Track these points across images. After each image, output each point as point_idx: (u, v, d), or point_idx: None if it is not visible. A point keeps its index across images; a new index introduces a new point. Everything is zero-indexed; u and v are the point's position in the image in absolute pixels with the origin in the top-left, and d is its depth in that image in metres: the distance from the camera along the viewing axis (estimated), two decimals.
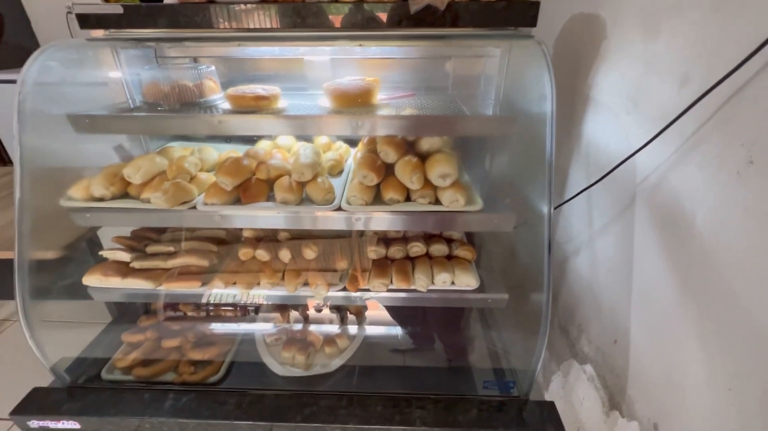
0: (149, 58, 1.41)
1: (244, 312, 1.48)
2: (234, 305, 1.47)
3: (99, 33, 1.23)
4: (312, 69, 1.43)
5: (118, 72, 1.24)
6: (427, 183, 1.05)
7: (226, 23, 1.14)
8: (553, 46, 1.38)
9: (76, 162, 1.22)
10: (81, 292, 1.19)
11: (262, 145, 1.30)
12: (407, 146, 1.14)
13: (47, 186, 1.12)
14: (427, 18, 1.10)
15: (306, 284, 1.18)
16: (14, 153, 0.99)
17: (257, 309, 1.51)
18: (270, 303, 1.32)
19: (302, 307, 1.53)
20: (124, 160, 1.24)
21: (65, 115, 1.02)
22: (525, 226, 1.11)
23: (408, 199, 1.09)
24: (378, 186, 1.11)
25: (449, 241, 1.30)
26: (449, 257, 1.27)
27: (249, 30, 1.17)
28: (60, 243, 1.14)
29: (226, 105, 1.12)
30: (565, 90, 1.26)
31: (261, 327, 1.45)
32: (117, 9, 1.16)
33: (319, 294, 1.15)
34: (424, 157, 1.11)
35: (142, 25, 1.17)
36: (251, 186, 1.07)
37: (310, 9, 1.11)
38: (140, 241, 1.20)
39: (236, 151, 1.31)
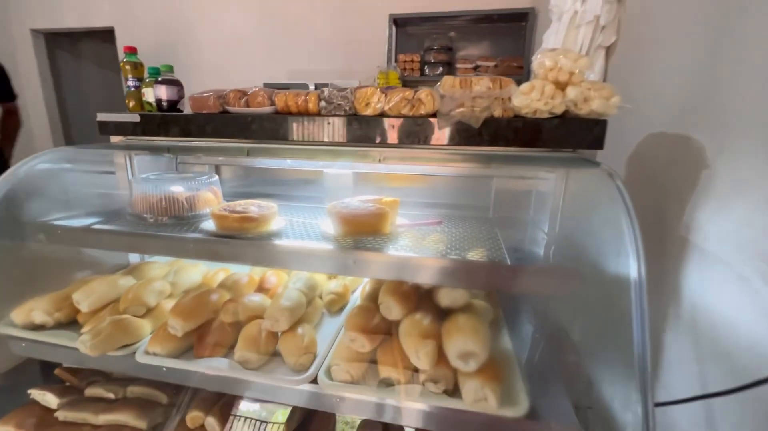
0: (170, 165, 1.36)
1: None
2: None
3: (118, 139, 1.20)
4: (332, 181, 1.27)
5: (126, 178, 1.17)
6: (442, 360, 0.72)
7: (235, 133, 1.04)
8: (624, 165, 1.10)
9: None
10: None
11: (257, 269, 1.09)
12: (419, 298, 0.85)
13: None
14: (459, 135, 0.91)
15: None
16: None
17: None
18: None
19: None
20: (102, 272, 1.09)
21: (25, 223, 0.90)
22: None
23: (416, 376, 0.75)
24: (376, 351, 0.80)
25: None
26: None
27: (260, 141, 1.06)
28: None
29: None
30: (647, 223, 0.93)
31: None
32: (134, 117, 1.12)
33: None
34: (443, 316, 0.80)
35: (155, 132, 1.11)
36: (211, 332, 0.82)
37: (325, 121, 0.98)
38: (85, 378, 0.97)
39: (228, 269, 1.11)
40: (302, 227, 0.98)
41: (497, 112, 0.90)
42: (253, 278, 1.03)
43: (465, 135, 0.90)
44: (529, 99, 0.85)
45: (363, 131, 0.96)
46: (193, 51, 3.49)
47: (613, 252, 0.62)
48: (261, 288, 1.00)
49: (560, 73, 0.84)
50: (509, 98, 0.90)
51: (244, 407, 0.86)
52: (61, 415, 0.88)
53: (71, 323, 0.91)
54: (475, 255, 0.77)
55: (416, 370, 0.74)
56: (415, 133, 0.93)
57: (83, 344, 0.78)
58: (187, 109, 1.07)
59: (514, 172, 1.13)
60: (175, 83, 1.11)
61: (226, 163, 1.36)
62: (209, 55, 3.46)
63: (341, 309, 1.00)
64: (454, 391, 0.71)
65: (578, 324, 0.71)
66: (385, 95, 0.96)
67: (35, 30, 4.01)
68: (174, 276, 1.02)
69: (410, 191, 1.27)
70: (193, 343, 0.83)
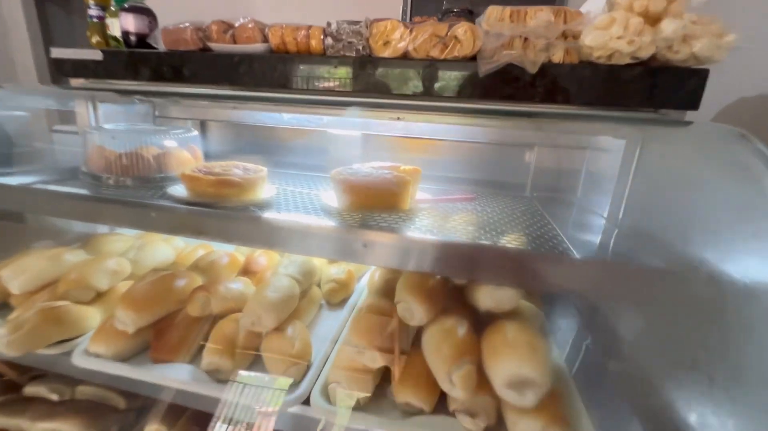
0: (146, 118, 1.15)
1: None
2: None
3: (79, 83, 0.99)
4: (337, 144, 1.06)
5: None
6: (483, 385, 0.53)
7: (218, 77, 0.83)
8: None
9: None
10: None
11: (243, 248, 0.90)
12: (448, 296, 0.66)
13: None
14: (505, 87, 0.69)
15: None
16: None
17: None
18: None
19: None
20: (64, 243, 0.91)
21: None
22: None
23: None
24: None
25: None
26: None
27: (249, 88, 0.85)
28: None
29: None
30: None
31: None
32: (95, 54, 0.90)
33: None
34: (481, 322, 0.61)
35: (121, 74, 0.90)
36: (172, 329, 0.64)
37: (331, 63, 0.77)
38: (28, 371, 0.80)
39: (209, 246, 0.92)
40: (298, 198, 0.78)
41: (557, 56, 0.68)
42: (236, 258, 0.84)
43: (513, 86, 0.69)
44: (607, 36, 0.63)
45: (378, 78, 0.75)
46: None
47: (746, 247, 0.42)
48: (246, 271, 0.82)
49: (653, 1, 0.62)
50: (575, 36, 0.68)
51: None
52: None
53: (2, 306, 0.73)
54: (528, 242, 0.58)
55: (445, 394, 0.55)
56: (447, 83, 0.72)
57: (2, 339, 0.60)
58: (160, 45, 0.86)
59: (562, 139, 0.92)
60: (145, 12, 0.89)
61: (211, 118, 1.15)
62: None
63: (344, 300, 0.82)
64: (497, 428, 0.53)
65: (671, 345, 0.52)
66: (410, 31, 0.74)
67: None
68: (137, 252, 0.83)
69: (428, 161, 1.06)
70: (150, 342, 0.65)
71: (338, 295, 0.81)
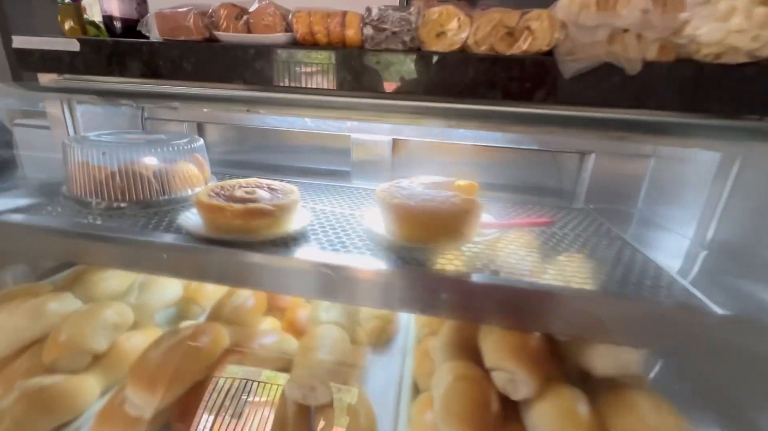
0: (133, 122, 0.98)
1: None
2: None
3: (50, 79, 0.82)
4: (362, 150, 0.93)
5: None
6: None
7: (229, 74, 0.68)
8: None
9: None
10: None
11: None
12: (553, 359, 0.54)
13: None
14: (590, 90, 0.58)
15: None
16: None
17: None
18: None
19: None
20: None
21: None
22: None
23: None
24: None
25: None
26: None
27: (266, 88, 0.70)
28: None
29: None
30: None
31: None
32: (70, 44, 0.73)
33: None
34: (593, 391, 0.50)
35: (107, 71, 0.74)
36: (201, 407, 0.50)
37: (372, 58, 0.63)
38: None
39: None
40: (337, 224, 0.65)
41: (651, 53, 0.57)
42: (261, 296, 0.71)
43: (598, 89, 0.58)
44: (725, 30, 0.52)
45: (430, 78, 0.62)
46: None
47: None
48: (271, 307, 0.68)
49: None
50: (673, 30, 0.57)
51: None
52: None
53: None
54: (638, 283, 0.48)
55: None
56: (515, 84, 0.60)
57: None
58: (154, 33, 0.70)
59: (626, 147, 0.81)
60: None
61: (210, 120, 0.99)
62: None
63: (389, 340, 0.70)
64: None
65: None
66: (472, 19, 0.61)
67: None
68: (139, 294, 0.68)
69: (462, 167, 0.94)
70: (173, 421, 0.51)
71: (384, 335, 0.69)
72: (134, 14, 0.73)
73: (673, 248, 0.68)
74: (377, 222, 0.63)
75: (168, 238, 0.53)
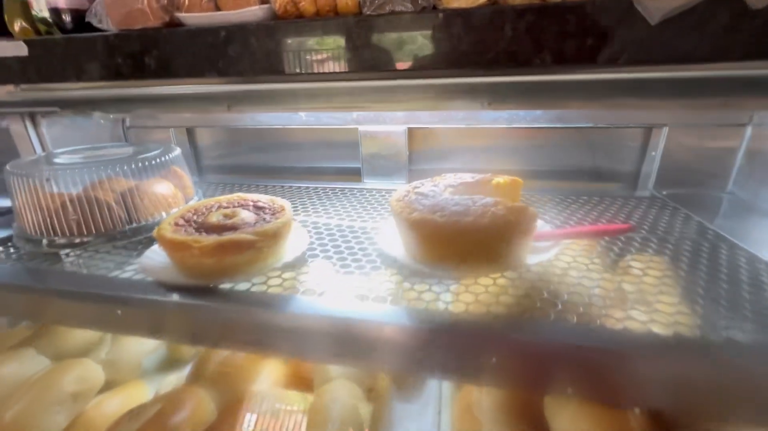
0: (115, 132, 0.87)
1: None
2: None
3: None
4: (373, 144, 0.78)
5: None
6: None
7: (200, 67, 0.55)
8: None
9: None
10: None
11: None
12: None
13: None
14: (684, 40, 0.40)
15: None
16: None
17: None
18: None
19: None
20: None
21: None
22: None
23: None
24: None
25: None
26: None
27: (247, 79, 0.57)
28: None
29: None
30: None
31: None
32: (18, 49, 0.62)
33: None
34: None
35: (61, 76, 0.62)
36: None
37: (373, 27, 0.48)
38: None
39: None
40: (343, 246, 0.52)
41: None
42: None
43: (700, 37, 0.40)
44: None
45: (454, 43, 0.46)
46: None
47: None
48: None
49: None
50: None
51: None
52: None
53: None
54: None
55: None
56: (579, 42, 0.43)
57: None
58: (106, 24, 0.57)
59: (713, 115, 0.63)
60: None
61: (200, 123, 0.86)
62: None
63: (417, 386, 0.56)
64: None
65: None
66: None
67: None
68: (113, 343, 0.57)
69: (490, 154, 0.78)
70: None
71: (409, 380, 0.55)
72: (84, 4, 0.60)
73: None
74: (393, 239, 0.49)
75: (122, 292, 0.41)
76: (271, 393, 0.48)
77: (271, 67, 0.53)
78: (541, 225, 0.52)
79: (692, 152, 0.67)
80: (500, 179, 0.53)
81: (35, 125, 0.71)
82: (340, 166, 0.84)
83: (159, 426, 0.42)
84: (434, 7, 0.48)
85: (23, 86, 0.68)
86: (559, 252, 0.47)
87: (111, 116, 0.82)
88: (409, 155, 0.78)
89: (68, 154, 0.60)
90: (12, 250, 0.52)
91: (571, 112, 0.67)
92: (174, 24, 0.55)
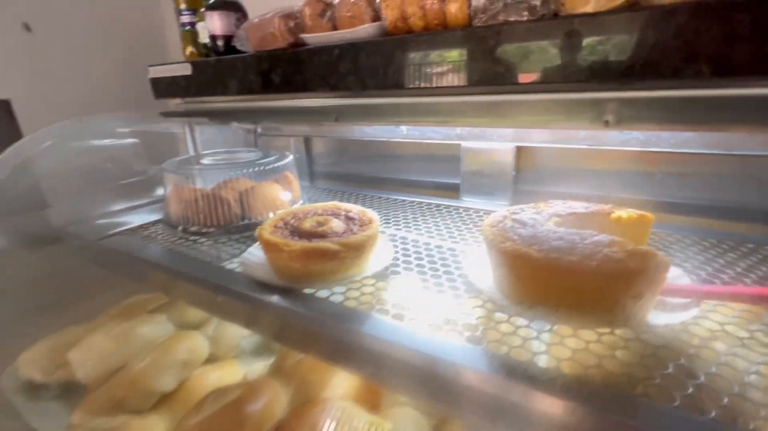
0: (248, 139, 1.01)
1: None
2: None
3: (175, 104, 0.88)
4: (475, 160, 0.74)
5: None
6: None
7: (315, 82, 0.59)
8: None
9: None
10: None
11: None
12: None
13: None
14: None
15: None
16: None
17: None
18: None
19: None
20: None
21: None
22: None
23: None
24: None
25: None
26: None
27: (354, 94, 0.59)
28: None
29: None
30: None
31: None
32: (185, 69, 0.76)
33: None
34: None
35: (212, 91, 0.74)
36: None
37: (487, 38, 0.44)
38: None
39: None
40: (428, 263, 0.49)
41: None
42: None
43: None
44: None
45: (582, 53, 0.40)
46: None
47: None
48: None
49: None
50: None
51: None
52: None
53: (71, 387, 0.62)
54: None
55: None
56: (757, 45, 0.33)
57: None
58: (246, 47, 0.66)
59: None
60: (231, 6, 0.71)
61: (316, 133, 0.94)
62: None
63: None
64: None
65: None
66: None
67: None
68: (219, 323, 0.66)
69: (611, 181, 0.66)
70: None
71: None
72: (233, 29, 0.71)
73: None
74: (483, 268, 0.44)
75: (223, 282, 0.46)
76: (342, 405, 0.48)
77: (378, 81, 0.54)
78: (677, 276, 0.41)
79: None
80: (623, 213, 0.44)
81: (192, 131, 0.86)
82: (438, 181, 0.82)
83: (235, 412, 0.47)
84: (555, 15, 0.43)
85: (187, 99, 0.84)
86: (699, 315, 0.36)
87: (246, 126, 0.95)
88: (515, 175, 0.71)
89: (210, 156, 0.71)
90: (158, 232, 0.64)
91: (735, 136, 0.53)
92: (298, 45, 0.61)
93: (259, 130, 1.00)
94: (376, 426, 0.50)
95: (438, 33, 0.48)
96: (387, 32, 0.53)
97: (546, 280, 0.36)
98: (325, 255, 0.42)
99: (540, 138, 0.65)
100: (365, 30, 0.54)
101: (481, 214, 0.68)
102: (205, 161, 0.67)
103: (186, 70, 0.75)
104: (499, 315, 0.39)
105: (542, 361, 0.33)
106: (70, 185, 0.77)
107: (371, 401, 0.50)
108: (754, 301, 0.37)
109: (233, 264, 0.51)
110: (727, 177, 0.58)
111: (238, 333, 0.67)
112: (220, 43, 0.72)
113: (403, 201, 0.77)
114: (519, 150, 0.69)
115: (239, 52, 0.72)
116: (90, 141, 0.85)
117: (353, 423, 0.49)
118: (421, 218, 0.67)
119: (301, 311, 0.39)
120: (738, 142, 0.54)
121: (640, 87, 0.40)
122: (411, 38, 0.50)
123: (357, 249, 0.44)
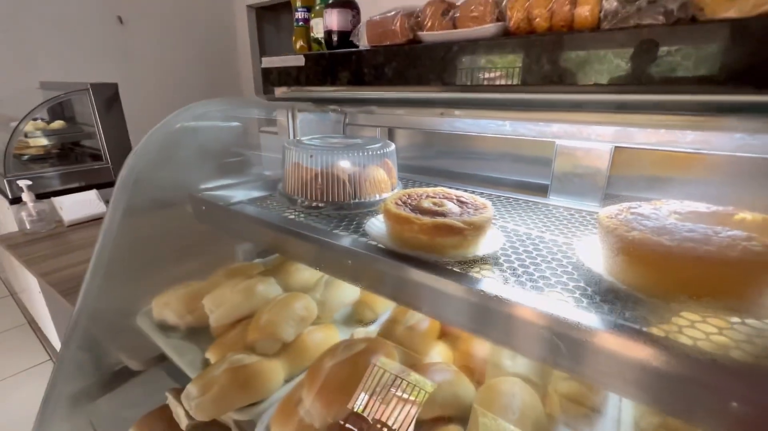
0: (336, 127, 1.08)
1: None
2: None
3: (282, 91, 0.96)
4: (569, 161, 0.76)
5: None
6: None
7: (427, 76, 0.64)
8: None
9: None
10: None
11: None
12: None
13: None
14: None
15: None
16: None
17: None
18: None
19: None
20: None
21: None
22: None
23: None
24: None
25: None
26: None
27: (467, 89, 0.63)
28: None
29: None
30: None
31: None
32: (298, 60, 0.83)
33: None
34: None
35: (320, 81, 0.81)
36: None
37: (614, 41, 0.47)
38: None
39: None
40: (534, 249, 0.52)
41: None
42: (434, 320, 0.65)
43: None
44: None
45: (722, 58, 0.42)
46: None
47: None
48: (445, 332, 0.61)
49: None
50: None
51: None
52: None
53: (205, 328, 0.71)
54: None
55: None
56: None
57: (187, 399, 0.55)
58: (363, 42, 0.72)
59: None
60: (348, 5, 0.77)
61: (400, 125, 0.99)
62: None
63: (588, 414, 0.52)
64: None
65: None
66: None
67: (249, 5, 4.50)
68: (324, 291, 0.73)
69: (719, 190, 0.65)
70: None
71: (582, 405, 0.52)
72: (348, 26, 0.78)
73: None
74: (594, 256, 0.47)
75: (351, 243, 0.52)
76: (446, 366, 0.52)
77: (495, 79, 0.58)
78: None
79: None
80: (748, 215, 0.45)
81: (293, 117, 0.94)
82: (525, 180, 0.84)
83: (364, 359, 0.52)
84: (693, 19, 0.44)
85: (293, 88, 0.92)
86: None
87: (339, 110, 1.03)
88: (608, 177, 0.72)
89: (316, 139, 0.78)
90: (275, 204, 0.71)
91: None
92: (415, 42, 0.66)
93: (347, 119, 1.07)
94: (421, 384, 0.53)
95: (564, 36, 0.51)
96: (508, 32, 0.57)
97: (678, 268, 0.38)
98: (452, 231, 0.46)
99: (642, 139, 0.66)
100: (485, 30, 0.58)
101: (572, 212, 0.70)
102: (315, 143, 0.74)
103: (299, 61, 0.83)
104: (618, 302, 0.42)
105: (678, 338, 0.35)
106: (191, 162, 0.87)
107: (471, 365, 0.54)
108: None
109: (352, 233, 0.57)
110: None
111: (338, 302, 0.74)
112: (335, 37, 0.79)
113: (490, 195, 0.80)
114: (617, 151, 0.70)
115: (350, 46, 0.79)
116: (204, 122, 0.95)
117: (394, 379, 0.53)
118: (513, 211, 0.70)
119: (429, 274, 0.44)
120: None
121: None
122: (536, 40, 0.53)
123: (478, 229, 0.48)
